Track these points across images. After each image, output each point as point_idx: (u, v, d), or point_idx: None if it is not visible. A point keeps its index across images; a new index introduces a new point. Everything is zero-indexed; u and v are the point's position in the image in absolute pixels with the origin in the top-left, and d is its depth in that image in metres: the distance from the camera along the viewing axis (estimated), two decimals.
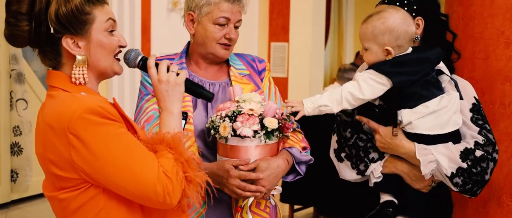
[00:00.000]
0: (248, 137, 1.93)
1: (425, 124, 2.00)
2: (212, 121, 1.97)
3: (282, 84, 7.42)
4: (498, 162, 2.10)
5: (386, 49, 2.00)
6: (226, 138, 1.94)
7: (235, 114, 1.94)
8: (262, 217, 2.12)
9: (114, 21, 1.66)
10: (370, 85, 1.99)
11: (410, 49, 2.05)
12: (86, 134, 1.47)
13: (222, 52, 2.14)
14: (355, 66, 6.21)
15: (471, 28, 2.40)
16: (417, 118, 1.99)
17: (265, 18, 7.77)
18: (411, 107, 2.00)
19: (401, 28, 1.99)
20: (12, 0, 1.56)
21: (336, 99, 2.01)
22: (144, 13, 5.71)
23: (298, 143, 2.14)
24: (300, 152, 2.11)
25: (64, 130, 1.47)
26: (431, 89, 2.03)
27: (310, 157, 2.14)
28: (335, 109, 2.01)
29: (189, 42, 2.24)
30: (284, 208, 5.19)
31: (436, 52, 2.05)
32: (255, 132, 1.93)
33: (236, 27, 2.14)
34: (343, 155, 2.17)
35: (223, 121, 1.93)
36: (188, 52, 2.23)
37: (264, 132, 1.93)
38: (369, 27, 2.03)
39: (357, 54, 6.49)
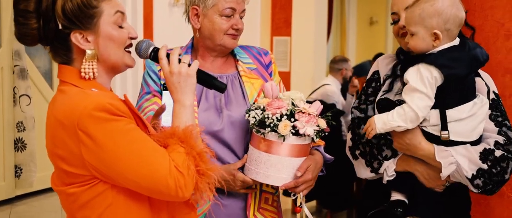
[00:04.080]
0: (308, 135, 1.93)
1: (452, 129, 1.92)
2: (267, 117, 1.92)
3: (284, 79, 7.37)
4: None
5: (434, 33, 1.90)
6: (284, 136, 1.92)
7: (292, 113, 1.93)
8: (270, 211, 2.15)
9: (123, 13, 1.64)
10: (432, 88, 1.88)
11: (457, 40, 1.95)
12: (96, 131, 1.47)
13: (231, 42, 2.13)
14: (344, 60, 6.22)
15: (471, 21, 2.38)
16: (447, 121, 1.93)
17: (267, 12, 7.77)
18: (446, 108, 1.92)
19: (450, 11, 1.89)
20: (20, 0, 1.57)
21: (410, 119, 1.90)
22: (146, 8, 5.72)
23: (320, 142, 2.15)
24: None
25: (74, 126, 1.48)
26: (467, 91, 1.95)
27: (332, 157, 2.16)
28: (410, 127, 1.92)
29: (193, 37, 2.22)
30: (287, 201, 5.21)
31: (483, 52, 1.96)
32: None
33: (241, 17, 2.14)
34: (357, 152, 2.12)
35: (281, 119, 1.91)
36: (193, 46, 2.21)
37: (316, 131, 1.96)
38: (416, 10, 1.92)
39: (376, 56, 6.32)
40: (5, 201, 5.26)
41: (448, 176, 1.95)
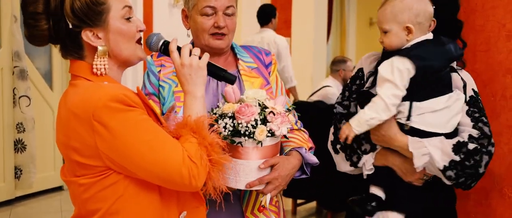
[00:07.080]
0: (284, 135, 1.88)
1: (425, 120, 1.97)
2: (241, 126, 1.81)
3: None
4: (500, 154, 2.09)
5: (407, 27, 1.97)
6: (261, 142, 1.84)
7: (264, 116, 1.85)
8: (273, 211, 2.14)
9: (130, 7, 1.68)
10: (401, 78, 1.92)
11: (430, 34, 2.01)
12: (111, 121, 1.50)
13: (216, 43, 2.09)
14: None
15: (473, 21, 2.40)
16: (418, 113, 1.97)
17: None
18: (417, 100, 1.97)
19: (419, 6, 1.96)
20: (28, 2, 1.58)
21: (381, 108, 1.95)
22: (146, 9, 5.72)
23: (305, 143, 2.13)
24: (306, 151, 2.10)
25: (89, 117, 1.50)
26: (442, 85, 2.00)
27: (317, 161, 2.11)
28: (384, 117, 1.95)
29: None
30: (287, 202, 5.20)
31: (456, 47, 2.01)
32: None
33: (227, 15, 2.08)
34: (338, 146, 2.16)
35: (256, 125, 1.82)
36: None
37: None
38: (387, 8, 1.99)
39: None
40: (5, 202, 5.26)
41: (424, 169, 1.99)
